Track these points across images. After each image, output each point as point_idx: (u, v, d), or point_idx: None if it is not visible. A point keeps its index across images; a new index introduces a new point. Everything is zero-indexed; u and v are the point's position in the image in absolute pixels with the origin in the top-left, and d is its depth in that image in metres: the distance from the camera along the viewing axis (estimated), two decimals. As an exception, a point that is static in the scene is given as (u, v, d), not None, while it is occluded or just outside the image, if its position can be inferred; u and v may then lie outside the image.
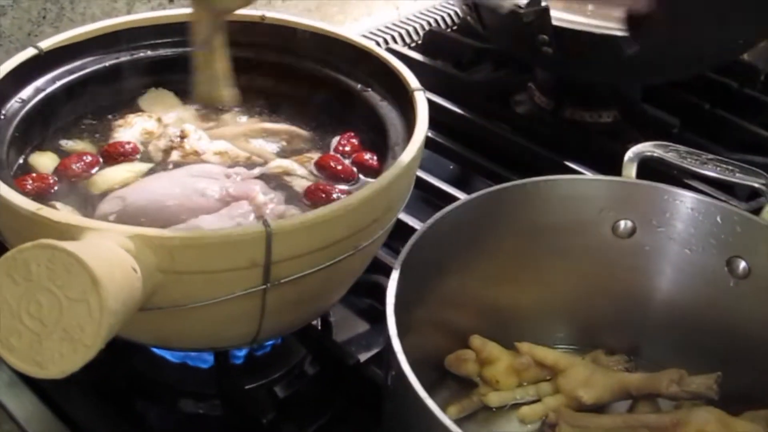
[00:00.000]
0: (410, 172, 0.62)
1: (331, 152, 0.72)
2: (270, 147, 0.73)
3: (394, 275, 0.55)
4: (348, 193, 0.65)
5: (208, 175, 0.67)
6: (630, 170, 0.67)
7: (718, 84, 1.10)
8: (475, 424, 0.66)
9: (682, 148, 0.69)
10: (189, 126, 0.72)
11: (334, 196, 0.65)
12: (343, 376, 0.69)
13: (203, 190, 0.65)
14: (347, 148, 0.71)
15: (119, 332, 0.45)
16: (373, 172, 0.68)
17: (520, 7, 0.84)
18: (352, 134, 0.73)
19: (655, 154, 0.68)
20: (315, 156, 0.71)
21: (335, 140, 0.73)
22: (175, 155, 0.70)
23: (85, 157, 0.68)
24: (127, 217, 0.61)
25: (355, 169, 0.69)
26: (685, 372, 0.63)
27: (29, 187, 0.64)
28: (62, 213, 0.52)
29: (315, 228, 0.54)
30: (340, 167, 0.69)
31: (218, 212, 0.63)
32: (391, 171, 0.59)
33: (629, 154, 0.68)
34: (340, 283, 0.65)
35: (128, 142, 0.70)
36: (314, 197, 0.65)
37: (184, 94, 0.76)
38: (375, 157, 0.70)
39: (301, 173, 0.69)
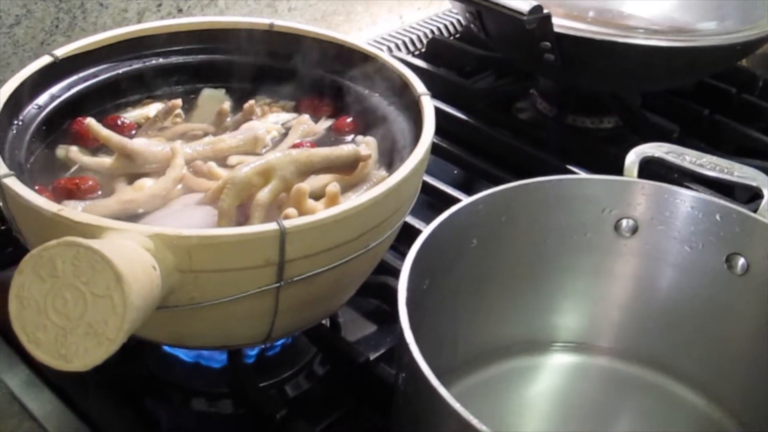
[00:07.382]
0: (419, 173, 0.63)
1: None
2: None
3: (406, 266, 0.56)
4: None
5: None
6: (632, 171, 0.69)
7: (717, 90, 1.12)
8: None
9: (680, 149, 0.71)
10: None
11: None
12: (352, 374, 0.71)
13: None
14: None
15: (137, 332, 0.47)
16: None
17: (523, 14, 0.86)
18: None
19: (656, 155, 0.70)
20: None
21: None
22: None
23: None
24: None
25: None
26: None
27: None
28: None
29: (327, 228, 0.56)
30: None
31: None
32: (400, 171, 0.60)
33: (631, 154, 0.69)
34: (350, 282, 0.66)
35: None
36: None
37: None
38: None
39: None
